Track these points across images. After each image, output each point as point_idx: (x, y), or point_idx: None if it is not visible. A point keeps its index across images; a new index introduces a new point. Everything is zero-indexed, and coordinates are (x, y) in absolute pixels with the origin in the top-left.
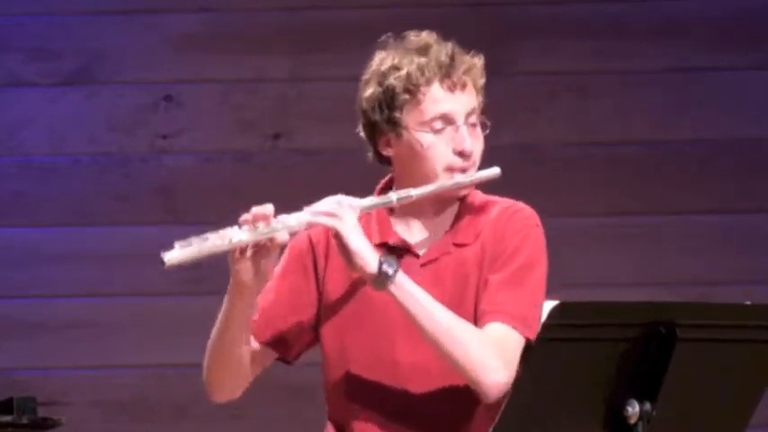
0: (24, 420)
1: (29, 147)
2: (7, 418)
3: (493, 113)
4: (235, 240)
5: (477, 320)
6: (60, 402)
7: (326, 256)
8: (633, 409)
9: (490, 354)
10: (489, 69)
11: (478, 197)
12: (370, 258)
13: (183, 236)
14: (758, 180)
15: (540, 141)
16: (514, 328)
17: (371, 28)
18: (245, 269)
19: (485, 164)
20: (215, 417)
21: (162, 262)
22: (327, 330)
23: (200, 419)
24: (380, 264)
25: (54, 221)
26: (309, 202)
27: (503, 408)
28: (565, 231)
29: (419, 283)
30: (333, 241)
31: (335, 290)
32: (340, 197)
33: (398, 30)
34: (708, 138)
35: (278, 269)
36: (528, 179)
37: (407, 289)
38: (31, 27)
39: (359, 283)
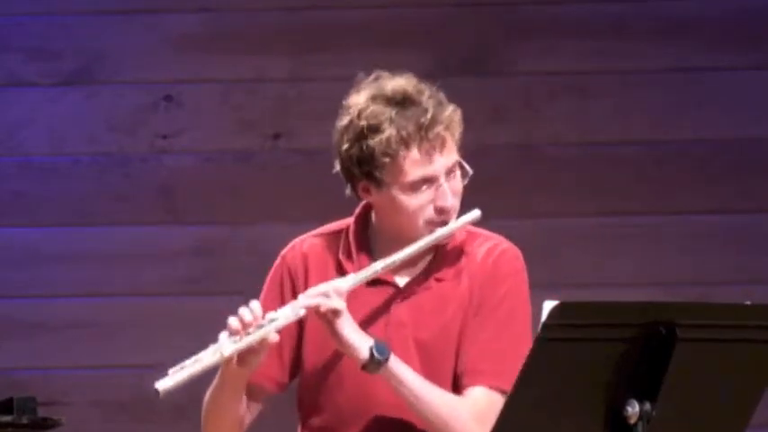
0: (24, 420)
1: (29, 147)
2: (7, 418)
3: (493, 113)
4: (227, 354)
5: (458, 369)
6: (60, 402)
7: (306, 280)
8: (633, 409)
9: (473, 428)
10: (489, 69)
11: (459, 234)
12: (362, 346)
13: (183, 235)
14: (758, 180)
15: (540, 141)
16: (498, 389)
17: (371, 28)
18: (233, 368)
19: (487, 162)
20: None
21: (156, 392)
22: (311, 363)
23: (201, 419)
24: (371, 351)
25: (54, 221)
26: (309, 201)
27: (503, 408)
28: (565, 231)
29: (399, 316)
30: (311, 264)
31: (317, 334)
32: (328, 285)
33: (397, 30)
34: (708, 138)
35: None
36: (528, 179)
37: (397, 373)
38: (31, 27)
39: None
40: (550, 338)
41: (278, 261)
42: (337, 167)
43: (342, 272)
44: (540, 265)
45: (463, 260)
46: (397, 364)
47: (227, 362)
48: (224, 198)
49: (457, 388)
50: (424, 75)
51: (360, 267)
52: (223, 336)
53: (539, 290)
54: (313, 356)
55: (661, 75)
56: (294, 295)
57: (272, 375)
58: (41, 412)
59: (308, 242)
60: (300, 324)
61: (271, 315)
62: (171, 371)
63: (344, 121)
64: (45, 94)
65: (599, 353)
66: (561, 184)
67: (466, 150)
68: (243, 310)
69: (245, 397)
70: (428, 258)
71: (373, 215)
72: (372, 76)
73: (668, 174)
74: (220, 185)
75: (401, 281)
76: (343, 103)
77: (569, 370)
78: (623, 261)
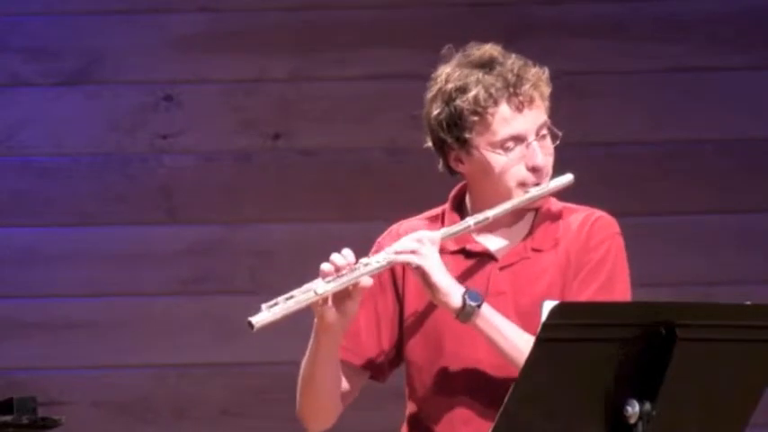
0: (24, 420)
1: (29, 147)
2: (7, 418)
3: None
4: (320, 292)
5: None
6: (60, 402)
7: (404, 270)
8: (633, 409)
9: None
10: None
11: (555, 204)
12: (454, 293)
13: (183, 235)
14: (758, 180)
15: None
16: None
17: (371, 28)
18: (329, 314)
19: None
20: (215, 417)
21: (250, 325)
22: (412, 340)
23: (200, 419)
24: (464, 298)
25: (54, 221)
26: (309, 201)
27: (502, 408)
28: None
29: (498, 286)
30: None
31: (416, 300)
32: (420, 233)
33: (398, 30)
34: (708, 138)
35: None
36: None
37: (491, 321)
38: (31, 27)
39: None
40: (550, 338)
41: (374, 247)
42: (429, 143)
43: (441, 252)
44: None
45: (560, 230)
46: (490, 312)
47: (321, 311)
48: (224, 198)
49: None
50: (424, 75)
51: (458, 243)
52: (317, 280)
53: None
54: (413, 329)
55: (661, 75)
56: (394, 281)
57: (366, 354)
58: (41, 412)
59: (404, 225)
60: (400, 303)
61: (363, 260)
62: (264, 306)
63: (433, 90)
64: (45, 94)
65: (599, 353)
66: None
67: None
68: (335, 256)
69: (341, 374)
70: (524, 229)
71: (467, 198)
72: (459, 52)
73: (668, 174)
74: (220, 185)
75: (499, 253)
76: (431, 76)
77: (569, 370)
78: None
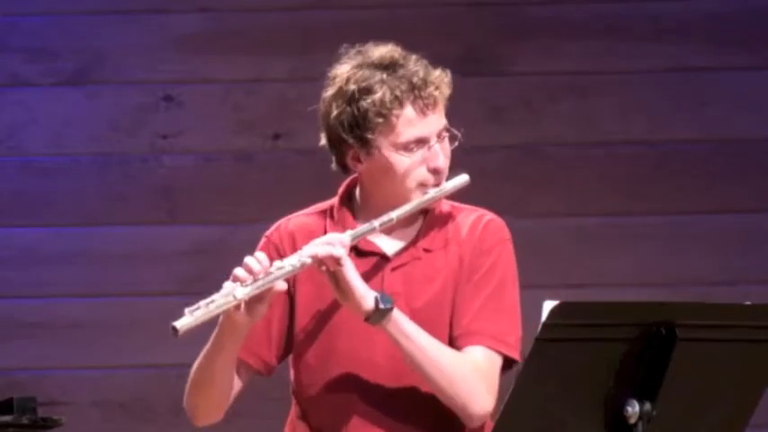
0: (24, 420)
1: (29, 147)
2: (7, 418)
3: (493, 113)
4: (239, 297)
5: (452, 334)
6: (60, 402)
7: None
8: (633, 409)
9: (476, 383)
10: (489, 69)
11: (445, 205)
12: (367, 296)
13: (183, 235)
14: (758, 180)
15: (540, 141)
16: (497, 350)
17: (371, 28)
18: (239, 317)
19: (487, 162)
20: None
21: (174, 330)
22: (303, 335)
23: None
24: (377, 300)
25: (54, 221)
26: (309, 201)
27: (502, 408)
28: (565, 231)
29: (392, 286)
30: (299, 241)
31: (308, 302)
32: (330, 236)
33: (398, 30)
34: (708, 138)
35: None
36: (528, 179)
37: (400, 324)
38: (31, 27)
39: (330, 296)
40: (550, 339)
41: (263, 242)
42: (323, 141)
43: None
44: (539, 265)
45: (450, 231)
46: (400, 316)
47: (232, 314)
48: (224, 198)
49: None
50: None
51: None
52: (229, 283)
53: (539, 290)
54: (305, 329)
55: (661, 75)
56: (287, 280)
57: (259, 353)
58: (41, 412)
59: (293, 221)
60: (291, 301)
61: (277, 264)
62: (187, 310)
63: (332, 90)
64: (45, 94)
65: (599, 353)
66: (561, 184)
67: (465, 150)
68: (249, 259)
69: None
70: (414, 230)
71: (357, 192)
72: (353, 50)
73: (668, 174)
74: (220, 185)
75: (389, 252)
76: (328, 75)
77: (569, 370)
78: (623, 261)
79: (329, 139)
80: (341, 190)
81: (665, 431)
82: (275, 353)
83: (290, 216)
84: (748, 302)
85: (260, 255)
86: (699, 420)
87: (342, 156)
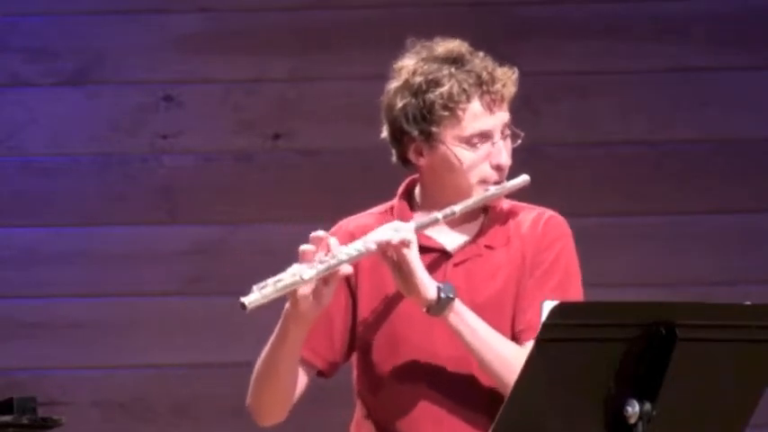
0: (24, 420)
1: (29, 147)
2: (7, 418)
3: None
4: (306, 277)
5: (515, 329)
6: (60, 402)
7: (357, 269)
8: (633, 409)
9: None
10: None
11: (505, 203)
12: (429, 285)
13: (183, 235)
14: (758, 180)
15: (540, 141)
16: None
17: (371, 28)
18: (306, 300)
19: None
20: (215, 417)
21: (243, 306)
22: (368, 340)
23: (200, 419)
24: (439, 290)
25: (54, 221)
26: (309, 201)
27: (502, 408)
28: None
29: (453, 281)
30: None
31: (371, 297)
32: (396, 223)
33: (398, 30)
34: (708, 138)
35: None
36: None
37: (462, 315)
38: (31, 27)
39: (392, 291)
40: (550, 339)
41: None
42: (384, 134)
43: None
44: None
45: (511, 228)
46: (461, 307)
47: (298, 298)
48: (224, 198)
49: None
50: None
51: None
52: (296, 265)
53: None
54: (368, 325)
55: (661, 75)
56: (347, 280)
57: (319, 350)
58: (41, 412)
59: (353, 222)
60: (353, 299)
61: (343, 248)
62: (255, 287)
63: (397, 82)
64: (45, 94)
65: (599, 353)
66: (561, 184)
67: None
68: (316, 236)
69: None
70: (475, 227)
71: (417, 191)
72: (419, 45)
73: (668, 174)
74: (220, 185)
75: (452, 249)
76: (394, 67)
77: (569, 370)
78: (623, 261)
79: (391, 132)
80: (400, 189)
81: (665, 431)
82: (338, 350)
83: (349, 218)
84: (748, 302)
85: (331, 239)
86: (699, 420)
87: (403, 149)
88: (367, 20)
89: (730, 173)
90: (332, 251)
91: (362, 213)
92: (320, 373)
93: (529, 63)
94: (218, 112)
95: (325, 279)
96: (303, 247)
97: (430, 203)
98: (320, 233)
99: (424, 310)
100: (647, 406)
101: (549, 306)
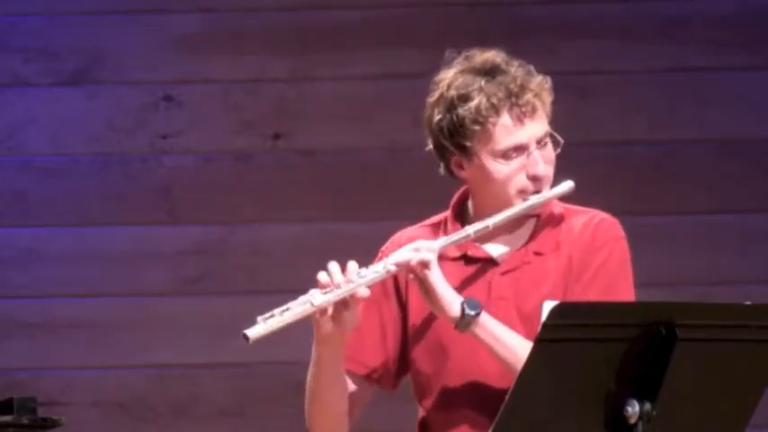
0: (24, 420)
1: (29, 147)
2: (7, 418)
3: None
4: (317, 304)
5: None
6: (60, 402)
7: (407, 278)
8: (633, 409)
9: None
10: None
11: (557, 207)
12: (452, 302)
13: (183, 235)
14: (759, 180)
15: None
16: None
17: (371, 28)
18: (327, 324)
19: None
20: (215, 417)
21: (246, 338)
22: (417, 348)
23: (200, 419)
24: (463, 307)
25: (54, 221)
26: (309, 201)
27: (502, 408)
28: None
29: (500, 291)
30: None
31: (420, 308)
32: (418, 243)
33: (398, 30)
34: (708, 138)
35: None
36: None
37: (490, 329)
38: (31, 27)
39: None
40: (550, 339)
41: (378, 257)
42: (430, 146)
43: (441, 259)
44: None
45: (562, 233)
46: (488, 320)
47: (320, 322)
48: (224, 198)
49: None
50: (425, 74)
51: (460, 249)
52: (313, 291)
53: None
54: (418, 337)
55: (661, 75)
56: (397, 289)
57: (362, 359)
58: (41, 412)
59: (407, 234)
60: (404, 310)
61: (362, 271)
62: (259, 318)
63: (435, 95)
64: (45, 94)
65: (599, 353)
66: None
67: None
68: (332, 265)
69: (350, 383)
70: (526, 233)
71: (470, 203)
72: (462, 56)
73: (668, 174)
74: (220, 185)
75: (500, 258)
76: (434, 79)
77: (569, 370)
78: None
79: (434, 145)
80: (453, 201)
81: (665, 431)
82: (390, 362)
83: (403, 230)
84: (748, 302)
85: (351, 264)
86: (699, 420)
87: (446, 162)
88: (367, 20)
89: (730, 173)
90: (349, 275)
91: (415, 226)
92: (383, 386)
93: (529, 63)
94: (218, 112)
95: (345, 303)
96: (320, 277)
97: (481, 214)
98: (335, 267)
99: (453, 326)
100: (647, 406)
101: (548, 306)
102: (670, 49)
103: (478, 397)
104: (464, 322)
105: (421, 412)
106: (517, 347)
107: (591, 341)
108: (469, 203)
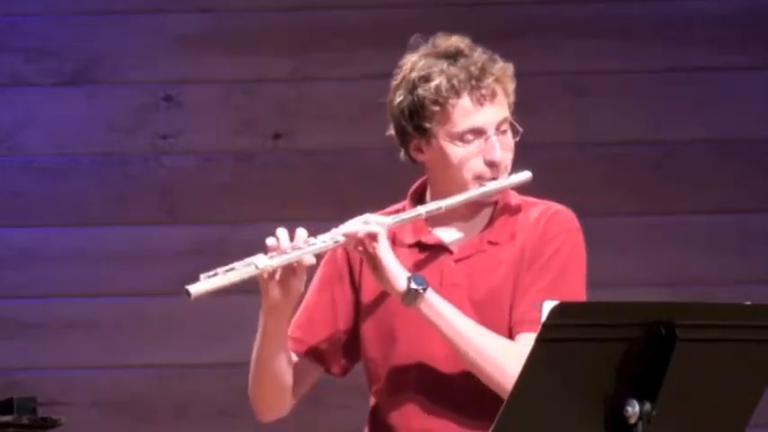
0: (24, 420)
1: (29, 147)
2: (7, 418)
3: None
4: (261, 267)
5: (511, 324)
6: (60, 402)
7: (361, 261)
8: (633, 409)
9: (518, 367)
10: None
11: (514, 198)
12: (399, 275)
13: (183, 235)
14: (759, 180)
15: (540, 141)
16: None
17: (371, 28)
18: (274, 290)
19: None
20: (215, 417)
21: (188, 294)
22: (367, 331)
23: (200, 419)
24: (409, 281)
25: (54, 221)
26: (309, 201)
27: (502, 408)
28: None
29: (452, 278)
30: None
31: (372, 292)
32: (367, 216)
33: (398, 30)
34: (708, 138)
35: (315, 279)
36: None
37: (435, 306)
38: (31, 27)
39: None
40: (550, 339)
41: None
42: (392, 130)
43: (397, 245)
44: None
45: (518, 224)
46: (435, 299)
47: (267, 287)
48: (224, 198)
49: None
50: None
51: (415, 235)
52: (260, 255)
53: None
54: (368, 320)
55: (661, 75)
56: (350, 269)
57: (320, 345)
58: (41, 412)
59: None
60: (356, 293)
61: (310, 240)
62: (202, 276)
63: (397, 78)
64: (45, 94)
65: (599, 353)
66: (561, 183)
67: None
68: (280, 231)
69: (293, 358)
70: (482, 222)
71: (428, 191)
72: (423, 41)
73: (668, 174)
74: (220, 185)
75: (454, 245)
76: (398, 64)
77: (569, 370)
78: (623, 261)
79: (394, 129)
80: (411, 189)
81: (665, 431)
82: (339, 344)
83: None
84: (748, 302)
85: (299, 230)
86: (699, 420)
87: (406, 146)
88: (367, 20)
89: (730, 173)
90: (297, 242)
91: (378, 212)
92: (330, 371)
93: (528, 63)
94: (218, 112)
95: (291, 268)
96: (268, 241)
97: (437, 195)
98: (283, 232)
99: (400, 301)
100: (647, 406)
101: (549, 306)
102: (670, 49)
103: (426, 381)
104: (409, 296)
105: (372, 400)
106: (465, 329)
107: (591, 341)
108: (428, 192)
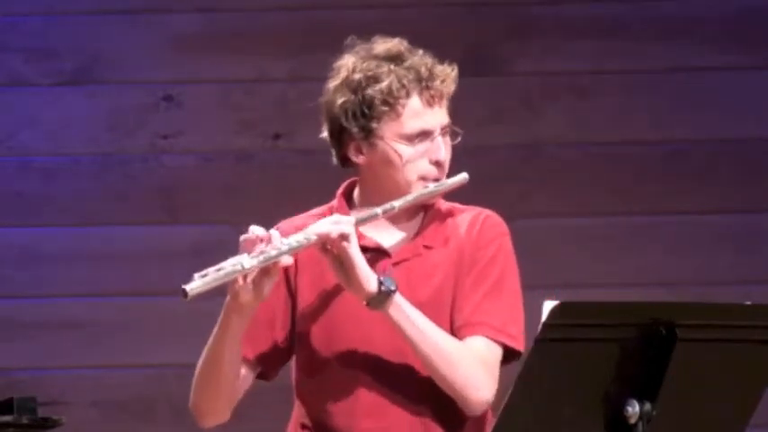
0: (24, 420)
1: (29, 147)
2: (7, 418)
3: (493, 113)
4: (247, 266)
5: (453, 327)
6: (60, 402)
7: (297, 266)
8: (633, 409)
9: (476, 370)
10: (489, 69)
11: (443, 204)
12: (370, 277)
13: (183, 235)
14: (758, 180)
15: (540, 141)
16: (497, 341)
17: (371, 28)
18: (246, 291)
19: (487, 162)
20: None
21: (184, 292)
22: (306, 333)
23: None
24: (380, 282)
25: (54, 221)
26: (309, 201)
27: (502, 408)
28: (565, 231)
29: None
30: (303, 252)
31: (310, 293)
32: (336, 216)
33: (398, 30)
34: (708, 138)
35: None
36: (528, 179)
37: (404, 309)
38: (31, 27)
39: (331, 286)
40: (550, 338)
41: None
42: (325, 133)
43: None
44: (540, 266)
45: (449, 229)
46: (402, 300)
47: (238, 289)
48: (224, 198)
49: None
50: None
51: None
52: (243, 254)
53: (539, 290)
54: (307, 320)
55: (661, 75)
56: (286, 276)
57: (263, 349)
58: (41, 412)
59: (296, 221)
60: (293, 300)
61: (283, 240)
62: (196, 275)
63: (336, 80)
64: (45, 94)
65: (599, 353)
66: (561, 184)
67: (465, 150)
68: (256, 228)
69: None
70: (414, 227)
71: (356, 193)
72: (358, 43)
73: (668, 174)
74: (220, 185)
75: (391, 249)
76: (333, 66)
77: (569, 370)
78: (623, 261)
79: (331, 131)
80: (340, 191)
81: (665, 431)
82: (280, 347)
83: (290, 219)
84: (748, 302)
85: (272, 231)
86: (699, 420)
87: (343, 148)
88: (367, 20)
89: (730, 173)
90: (273, 242)
91: (301, 215)
92: (262, 376)
93: (529, 63)
94: (218, 112)
95: (266, 270)
96: (244, 237)
97: (367, 203)
98: (259, 229)
99: (365, 303)
100: (647, 406)
101: (549, 306)
102: (670, 49)
103: (375, 380)
104: (379, 299)
105: (297, 410)
106: (427, 330)
107: (591, 341)
108: (355, 193)
